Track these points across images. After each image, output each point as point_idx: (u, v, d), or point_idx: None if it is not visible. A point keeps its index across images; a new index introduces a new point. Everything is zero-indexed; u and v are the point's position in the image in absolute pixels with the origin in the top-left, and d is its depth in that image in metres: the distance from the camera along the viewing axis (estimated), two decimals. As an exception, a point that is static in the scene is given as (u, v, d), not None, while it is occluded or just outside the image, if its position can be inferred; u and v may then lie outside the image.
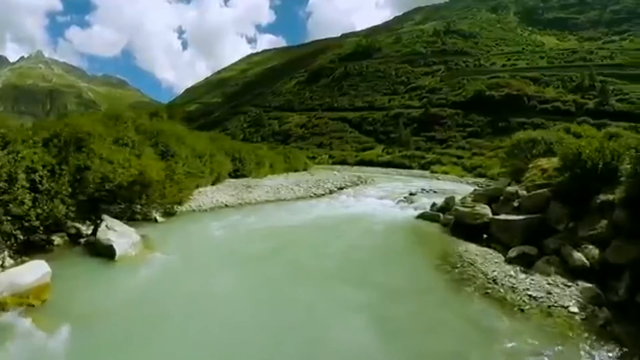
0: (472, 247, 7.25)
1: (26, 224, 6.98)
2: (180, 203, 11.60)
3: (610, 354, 3.83)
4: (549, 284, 5.28)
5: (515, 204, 7.90)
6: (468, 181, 26.12)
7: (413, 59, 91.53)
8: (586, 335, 4.17)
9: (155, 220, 10.38)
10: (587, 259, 5.58)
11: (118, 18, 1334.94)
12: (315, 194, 16.71)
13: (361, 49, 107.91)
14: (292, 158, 30.86)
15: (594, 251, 5.66)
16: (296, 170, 28.14)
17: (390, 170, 40.65)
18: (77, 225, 8.58)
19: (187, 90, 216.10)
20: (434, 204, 11.82)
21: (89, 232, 8.26)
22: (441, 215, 10.44)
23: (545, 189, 7.33)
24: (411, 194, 15.98)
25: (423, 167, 42.14)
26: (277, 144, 61.28)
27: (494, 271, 5.83)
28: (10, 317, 4.37)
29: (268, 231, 9.40)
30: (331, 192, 17.88)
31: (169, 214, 11.14)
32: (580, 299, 4.88)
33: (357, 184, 21.86)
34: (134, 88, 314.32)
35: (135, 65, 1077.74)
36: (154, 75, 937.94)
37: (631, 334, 4.06)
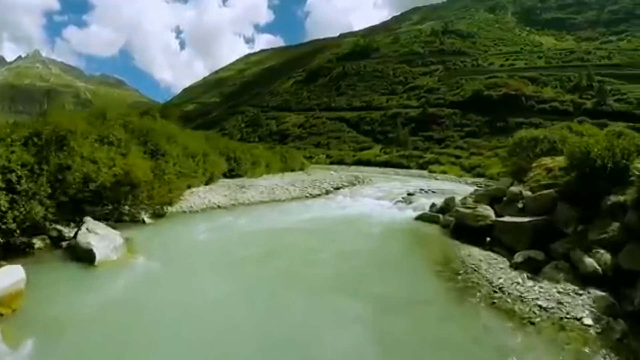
0: (475, 251, 6.86)
1: (3, 226, 6.63)
2: (170, 204, 11.20)
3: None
4: (559, 292, 4.89)
5: (520, 205, 7.51)
6: (467, 181, 25.76)
7: (411, 58, 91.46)
8: (603, 351, 3.79)
9: (143, 222, 10.01)
10: (599, 264, 5.20)
11: (116, 18, 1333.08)
12: (311, 194, 16.34)
13: (359, 48, 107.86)
14: (289, 158, 30.49)
15: (606, 256, 5.28)
16: (293, 170, 27.83)
17: (388, 170, 40.34)
18: (60, 227, 8.21)
19: (185, 90, 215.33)
20: (433, 205, 11.44)
21: (72, 234, 7.86)
22: (441, 216, 10.07)
23: (551, 190, 6.96)
24: (409, 194, 15.60)
25: (421, 166, 41.86)
26: (275, 144, 61.01)
27: (499, 278, 5.42)
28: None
29: (259, 234, 9.01)
30: (327, 192, 17.50)
31: (158, 215, 10.75)
32: (593, 309, 4.49)
33: (354, 184, 21.50)
34: (131, 88, 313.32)
35: (133, 65, 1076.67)
36: (151, 75, 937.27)
37: (650, 349, 3.69)
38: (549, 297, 4.76)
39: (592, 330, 4.12)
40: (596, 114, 46.18)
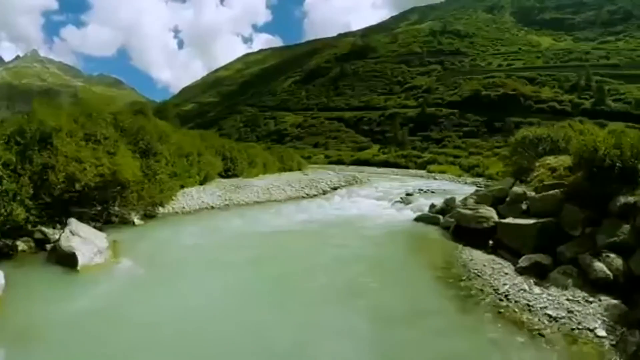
0: (477, 255, 6.53)
1: (-17, 229, 6.32)
2: (161, 205, 10.87)
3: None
4: (568, 300, 4.57)
5: (524, 206, 7.19)
6: (466, 181, 25.42)
7: (409, 58, 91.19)
8: (620, 365, 3.48)
9: (133, 224, 9.69)
10: (610, 270, 4.89)
11: (114, 17, 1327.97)
12: (307, 195, 16.03)
13: (357, 48, 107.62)
14: (286, 158, 30.13)
15: (617, 261, 4.97)
16: (290, 170, 27.47)
17: (386, 170, 40.01)
18: (44, 229, 7.87)
19: (183, 90, 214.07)
20: (432, 205, 11.12)
21: (57, 236, 7.51)
22: (441, 217, 9.75)
23: (556, 190, 6.63)
24: (408, 195, 15.28)
25: (420, 166, 41.56)
26: (273, 143, 60.69)
27: (504, 284, 5.09)
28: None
29: (252, 237, 8.66)
30: (325, 192, 17.19)
31: (149, 216, 10.43)
32: (606, 319, 4.19)
33: (352, 184, 21.20)
34: (129, 87, 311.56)
35: (131, 64, 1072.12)
36: (150, 75, 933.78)
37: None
38: (558, 306, 4.43)
39: (606, 342, 3.80)
40: (594, 114, 46.10)
